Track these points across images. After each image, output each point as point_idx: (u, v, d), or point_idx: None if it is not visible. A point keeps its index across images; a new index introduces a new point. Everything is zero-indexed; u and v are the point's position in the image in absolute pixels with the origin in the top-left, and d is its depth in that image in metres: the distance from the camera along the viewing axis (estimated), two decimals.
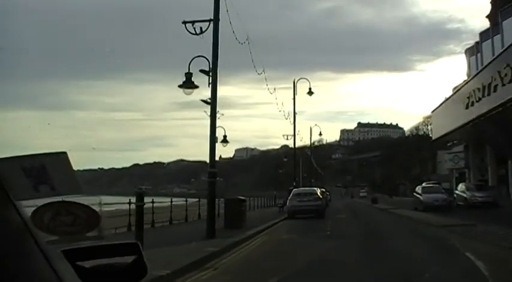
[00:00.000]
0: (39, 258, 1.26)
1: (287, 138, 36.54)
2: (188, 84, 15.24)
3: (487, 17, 40.87)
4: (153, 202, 20.74)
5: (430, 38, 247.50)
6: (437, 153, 72.32)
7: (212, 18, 14.98)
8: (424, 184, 38.38)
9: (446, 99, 39.95)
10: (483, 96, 29.17)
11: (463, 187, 35.24)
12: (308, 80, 34.18)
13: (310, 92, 32.82)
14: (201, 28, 15.01)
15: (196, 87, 15.34)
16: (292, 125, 35.24)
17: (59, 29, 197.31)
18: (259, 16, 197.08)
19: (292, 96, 34.34)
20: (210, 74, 15.03)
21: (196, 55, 15.16)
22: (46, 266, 1.27)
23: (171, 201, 23.40)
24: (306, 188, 33.32)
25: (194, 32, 15.00)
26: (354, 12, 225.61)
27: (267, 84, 30.27)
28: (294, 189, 30.30)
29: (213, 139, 15.43)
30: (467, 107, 32.47)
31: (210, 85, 15.19)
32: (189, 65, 15.07)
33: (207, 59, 15.06)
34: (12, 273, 1.17)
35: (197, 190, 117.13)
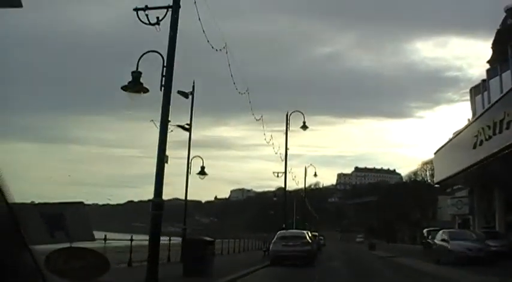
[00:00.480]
0: None
1: (277, 176, 33.45)
2: (135, 85, 12.14)
3: (488, 62, 39.12)
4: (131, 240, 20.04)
5: (429, 85, 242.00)
6: (438, 198, 69.57)
7: (171, 4, 12.49)
8: (448, 230, 34.93)
9: (450, 140, 37.39)
10: (494, 134, 26.70)
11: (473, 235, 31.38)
12: (302, 114, 31.46)
13: (304, 127, 30.39)
14: (157, 18, 12.30)
15: (146, 90, 12.36)
16: (285, 166, 32.05)
17: (63, 61, 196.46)
18: (259, 59, 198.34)
19: (285, 131, 31.60)
20: (164, 73, 12.27)
21: (148, 50, 12.39)
22: None
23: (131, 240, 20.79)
24: (293, 231, 30.31)
25: (148, 22, 12.32)
26: (354, 58, 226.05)
27: (263, 127, 27.44)
28: (279, 232, 26.75)
29: (162, 157, 12.19)
30: (474, 147, 30.01)
31: (163, 88, 12.27)
32: (138, 62, 12.20)
33: (161, 55, 12.30)
34: None
35: (191, 229, 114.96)
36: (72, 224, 2.13)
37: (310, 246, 24.88)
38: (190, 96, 19.66)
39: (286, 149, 31.56)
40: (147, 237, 18.22)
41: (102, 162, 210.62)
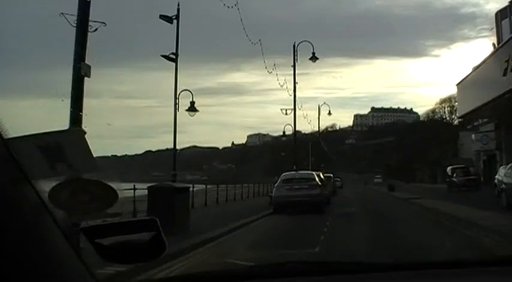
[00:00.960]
0: (58, 236, 1.27)
1: (286, 113, 30.46)
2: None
3: None
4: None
5: (444, 22, 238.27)
6: (459, 135, 66.33)
7: None
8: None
9: (476, 68, 33.98)
10: None
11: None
12: (311, 44, 29.19)
13: (313, 58, 28.16)
14: None
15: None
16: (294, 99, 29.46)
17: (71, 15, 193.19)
18: (271, 2, 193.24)
19: (292, 63, 29.00)
20: None
21: None
22: (65, 244, 1.28)
23: None
24: (301, 172, 25.41)
25: None
26: None
27: (276, 73, 26.21)
28: (284, 174, 22.92)
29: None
30: (505, 74, 26.79)
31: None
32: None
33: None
34: (32, 254, 1.16)
35: (209, 177, 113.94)
36: (72, 154, 1.64)
37: (320, 190, 21.25)
38: (175, 21, 16.68)
39: (295, 81, 28.93)
40: None
41: (118, 114, 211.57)
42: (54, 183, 2.10)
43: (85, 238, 1.42)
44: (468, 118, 43.72)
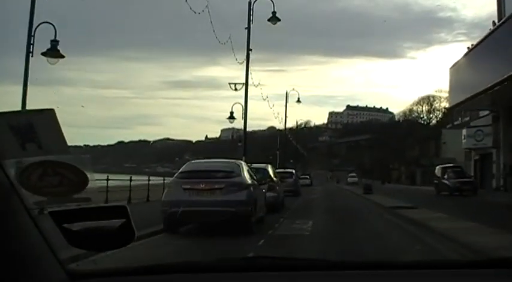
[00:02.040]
0: (25, 217, 1.29)
1: (235, 88, 24.03)
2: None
3: None
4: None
5: (421, 25, 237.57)
6: (441, 132, 60.79)
7: None
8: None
9: (474, 47, 27.98)
10: None
11: None
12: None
13: (274, 18, 23.58)
14: None
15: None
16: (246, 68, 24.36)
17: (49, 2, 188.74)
18: None
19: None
20: None
21: None
22: (32, 226, 1.30)
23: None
24: (217, 161, 14.83)
25: None
26: None
27: (250, 73, 23.88)
28: (187, 164, 13.91)
29: None
30: None
31: None
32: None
33: None
34: None
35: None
36: (43, 135, 1.54)
37: (250, 193, 12.17)
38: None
39: (248, 47, 23.77)
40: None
41: (93, 103, 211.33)
42: (23, 164, 1.82)
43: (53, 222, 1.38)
44: (457, 111, 38.17)
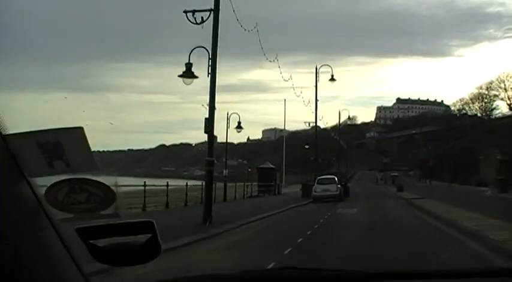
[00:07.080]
0: (52, 235, 1.31)
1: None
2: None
3: None
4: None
5: (468, 22, 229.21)
6: None
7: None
8: None
9: None
10: None
11: None
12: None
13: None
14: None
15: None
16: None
17: (93, 11, 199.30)
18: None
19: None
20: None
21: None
22: (59, 243, 1.32)
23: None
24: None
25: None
26: None
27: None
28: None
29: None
30: None
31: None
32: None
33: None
34: (25, 250, 1.20)
35: (218, 173, 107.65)
36: (71, 153, 1.53)
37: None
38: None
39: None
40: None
41: (138, 109, 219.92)
42: (51, 182, 1.97)
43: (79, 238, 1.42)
44: None
